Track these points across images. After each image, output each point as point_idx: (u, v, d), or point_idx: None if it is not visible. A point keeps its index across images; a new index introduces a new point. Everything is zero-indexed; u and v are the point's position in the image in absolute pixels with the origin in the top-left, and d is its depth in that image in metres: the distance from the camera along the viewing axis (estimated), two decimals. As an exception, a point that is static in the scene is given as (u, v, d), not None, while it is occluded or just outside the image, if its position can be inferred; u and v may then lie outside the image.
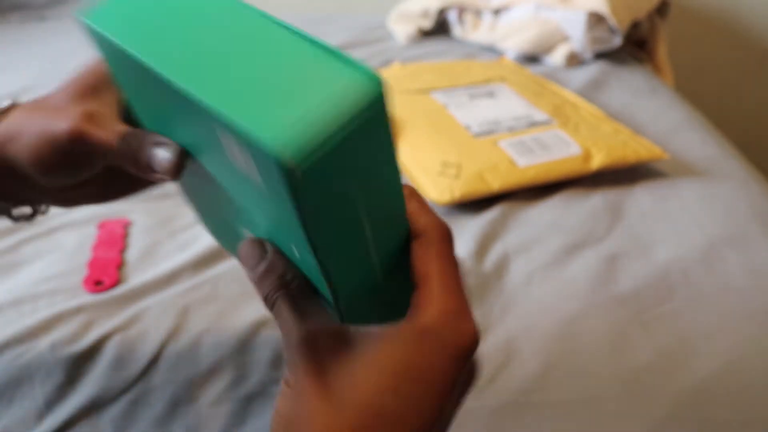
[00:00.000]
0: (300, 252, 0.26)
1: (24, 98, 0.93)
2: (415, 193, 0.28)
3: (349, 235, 0.25)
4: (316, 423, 0.24)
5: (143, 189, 0.37)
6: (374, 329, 0.26)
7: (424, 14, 1.15)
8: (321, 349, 0.25)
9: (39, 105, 0.34)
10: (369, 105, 0.21)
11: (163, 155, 0.30)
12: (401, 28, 1.15)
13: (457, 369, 0.25)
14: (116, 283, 0.51)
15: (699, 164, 0.71)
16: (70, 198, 0.36)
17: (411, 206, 0.27)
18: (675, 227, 0.60)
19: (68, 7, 1.34)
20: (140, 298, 0.49)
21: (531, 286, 0.52)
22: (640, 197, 0.65)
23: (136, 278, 0.52)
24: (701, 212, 0.62)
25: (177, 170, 0.29)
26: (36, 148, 0.32)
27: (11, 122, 0.33)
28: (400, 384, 0.24)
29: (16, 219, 0.38)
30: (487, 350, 0.45)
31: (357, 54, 1.06)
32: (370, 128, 0.21)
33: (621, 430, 0.40)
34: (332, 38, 1.12)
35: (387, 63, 1.01)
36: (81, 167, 0.33)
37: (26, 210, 0.38)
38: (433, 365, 0.24)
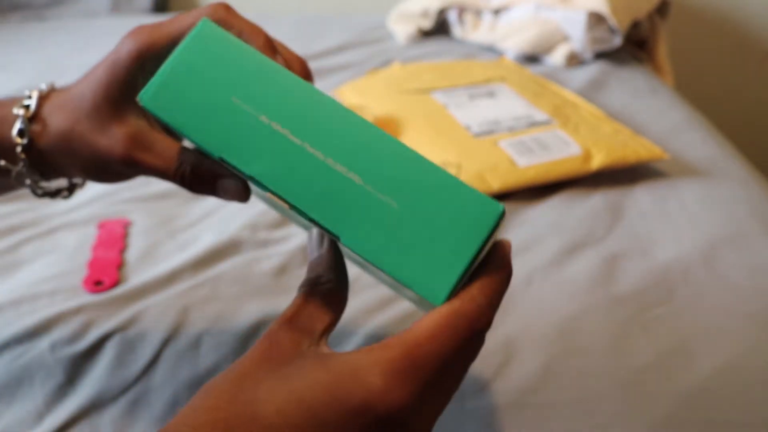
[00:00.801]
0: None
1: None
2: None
3: None
4: (221, 405, 0.23)
5: None
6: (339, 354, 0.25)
7: (424, 14, 1.15)
8: (275, 348, 0.25)
9: (78, 108, 0.32)
10: (491, 231, 0.25)
11: (230, 185, 0.31)
12: (401, 28, 1.15)
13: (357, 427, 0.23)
14: (116, 283, 0.51)
15: (699, 164, 0.71)
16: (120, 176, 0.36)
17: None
18: (675, 227, 0.60)
19: (68, 7, 1.34)
20: (140, 298, 0.49)
21: (531, 286, 0.52)
22: (640, 197, 0.65)
23: (136, 278, 0.52)
24: (701, 212, 0.62)
25: (247, 196, 0.31)
26: (87, 167, 0.33)
27: (58, 128, 0.33)
28: (296, 412, 0.23)
29: (48, 194, 0.37)
30: (487, 350, 0.45)
31: (357, 54, 1.06)
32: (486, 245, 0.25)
33: (621, 430, 0.40)
34: (332, 38, 1.12)
35: (387, 63, 1.01)
36: (132, 177, 0.34)
37: (62, 183, 0.38)
38: (334, 409, 0.23)
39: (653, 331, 0.47)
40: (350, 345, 0.45)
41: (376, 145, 0.25)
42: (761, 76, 1.44)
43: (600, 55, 1.03)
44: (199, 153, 0.32)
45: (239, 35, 0.30)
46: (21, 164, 0.34)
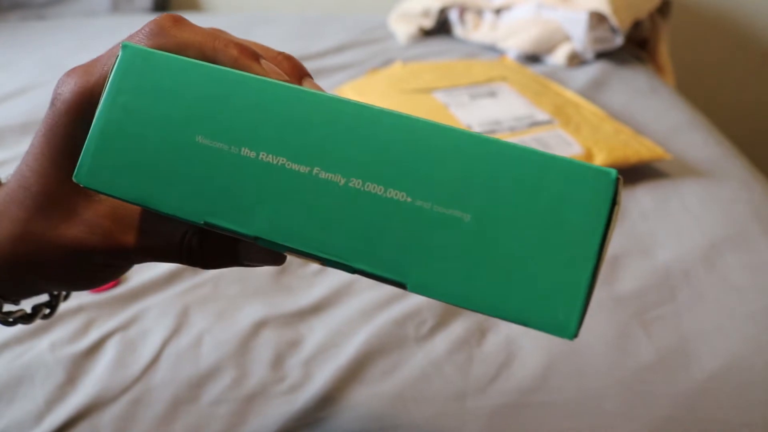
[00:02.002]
0: None
1: (23, 98, 0.92)
2: None
3: None
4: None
5: None
6: None
7: (425, 14, 1.15)
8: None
9: (24, 204, 0.24)
10: (609, 214, 0.17)
11: (256, 249, 0.24)
12: (402, 28, 1.15)
13: None
14: (116, 282, 0.51)
15: (700, 164, 0.71)
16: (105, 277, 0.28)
17: None
18: (676, 227, 0.60)
19: (68, 6, 1.34)
20: (140, 297, 0.49)
21: (532, 286, 0.52)
22: (641, 197, 0.64)
23: (136, 278, 0.51)
24: (702, 212, 0.62)
25: (283, 258, 0.24)
26: (62, 274, 0.25)
27: (5, 238, 0.24)
28: None
29: (22, 319, 0.29)
30: (487, 350, 0.45)
31: (358, 54, 1.05)
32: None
33: (621, 430, 0.40)
34: (333, 38, 1.11)
35: (388, 63, 1.01)
36: (126, 269, 0.27)
37: (39, 299, 0.30)
38: None
39: (654, 331, 0.47)
40: (350, 346, 0.45)
41: (409, 139, 0.18)
42: (763, 75, 1.44)
43: (601, 55, 1.03)
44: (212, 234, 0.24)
45: (199, 51, 0.22)
46: None
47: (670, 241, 0.57)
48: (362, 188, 0.18)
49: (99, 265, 0.25)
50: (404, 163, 0.18)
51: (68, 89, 0.23)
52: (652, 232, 0.59)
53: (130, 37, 0.23)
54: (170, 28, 0.22)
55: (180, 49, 0.22)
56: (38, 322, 0.45)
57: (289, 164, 0.19)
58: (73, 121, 0.23)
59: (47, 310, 0.30)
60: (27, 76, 0.96)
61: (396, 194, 0.18)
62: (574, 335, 0.17)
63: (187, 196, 0.19)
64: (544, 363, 0.44)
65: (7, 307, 0.28)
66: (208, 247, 0.24)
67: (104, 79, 0.22)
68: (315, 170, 0.19)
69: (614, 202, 0.17)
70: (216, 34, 0.23)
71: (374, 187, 0.18)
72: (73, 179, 0.20)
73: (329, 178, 0.19)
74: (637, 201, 0.64)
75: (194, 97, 0.19)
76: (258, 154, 0.19)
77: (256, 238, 0.19)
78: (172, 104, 0.20)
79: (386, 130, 0.18)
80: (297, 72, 0.23)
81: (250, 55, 0.22)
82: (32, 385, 0.42)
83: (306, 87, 0.22)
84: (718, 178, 0.68)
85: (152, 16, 1.31)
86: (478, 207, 0.18)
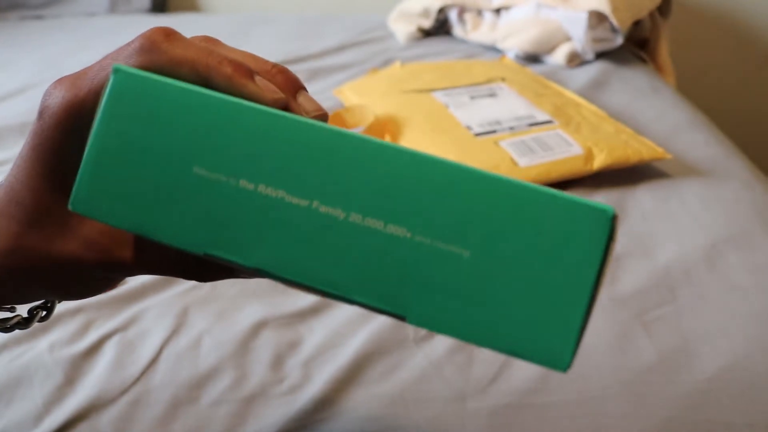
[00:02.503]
0: None
1: (21, 98, 0.92)
2: None
3: None
4: None
5: None
6: None
7: (425, 14, 1.15)
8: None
9: (16, 217, 0.24)
10: (605, 250, 0.18)
11: None
12: (401, 28, 1.15)
13: None
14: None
15: (701, 164, 0.71)
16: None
17: None
18: (677, 227, 0.60)
19: (66, 6, 1.34)
20: (139, 298, 0.49)
21: (533, 287, 0.52)
22: (642, 197, 0.64)
23: (135, 279, 0.51)
24: (703, 212, 0.62)
25: None
26: (56, 285, 0.25)
27: (9, 251, 0.24)
28: None
29: (18, 325, 0.29)
30: (487, 351, 0.45)
31: (357, 54, 1.05)
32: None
33: (622, 431, 0.40)
34: (332, 38, 1.11)
35: (387, 63, 1.01)
36: (120, 281, 0.27)
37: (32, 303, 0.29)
38: None
39: (655, 332, 0.47)
40: (350, 347, 0.45)
41: (409, 174, 0.18)
42: (763, 75, 1.44)
43: (601, 55, 1.03)
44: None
45: (192, 69, 0.22)
46: None
47: (671, 241, 0.57)
48: (362, 223, 0.18)
49: (94, 279, 0.25)
50: (404, 198, 0.18)
51: (56, 102, 0.22)
52: (652, 232, 0.59)
53: (120, 51, 0.22)
54: (162, 43, 0.22)
55: (172, 66, 0.21)
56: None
57: (288, 197, 0.19)
58: (62, 134, 0.23)
59: (43, 313, 0.30)
60: (26, 75, 0.95)
61: (396, 230, 0.18)
62: (567, 367, 0.18)
63: (185, 226, 0.19)
64: (544, 363, 0.44)
65: (3, 314, 0.28)
66: (204, 262, 0.24)
67: (93, 93, 0.22)
68: (314, 204, 0.19)
69: (610, 239, 0.18)
70: (209, 49, 0.22)
71: (374, 222, 0.18)
72: (69, 207, 0.20)
73: (329, 212, 0.19)
74: (637, 201, 0.64)
75: (190, 126, 0.19)
76: (257, 187, 0.19)
77: (257, 270, 0.19)
78: (167, 133, 0.19)
79: (386, 164, 0.18)
80: (291, 86, 0.23)
81: (244, 73, 0.22)
82: (31, 386, 0.42)
83: (303, 103, 0.22)
84: (718, 177, 0.68)
85: (150, 17, 1.31)
86: (478, 243, 0.18)
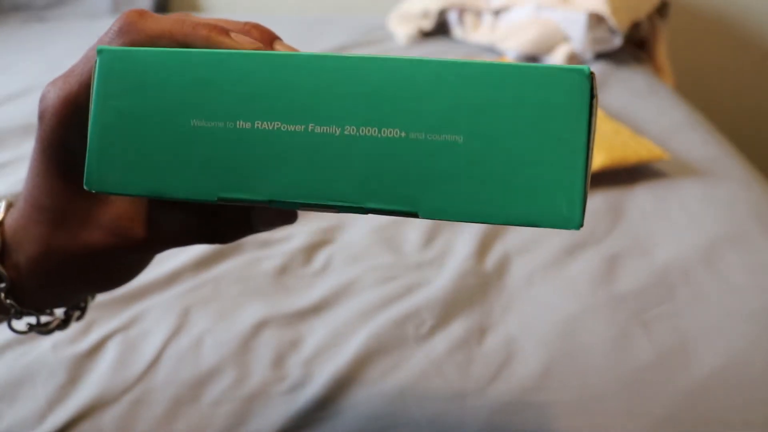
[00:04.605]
0: None
1: (21, 101, 0.92)
2: None
3: None
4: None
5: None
6: None
7: (425, 15, 1.15)
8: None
9: (39, 220, 0.25)
10: (590, 106, 0.19)
11: (268, 213, 0.25)
12: (401, 29, 1.15)
13: None
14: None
15: (699, 164, 0.71)
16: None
17: None
18: (675, 227, 0.60)
19: (69, 8, 1.34)
20: (141, 298, 0.49)
21: (531, 286, 0.52)
22: (640, 197, 0.65)
23: (136, 278, 0.52)
24: (701, 212, 0.62)
25: (295, 216, 0.26)
26: (91, 278, 0.27)
27: (31, 256, 0.25)
28: None
29: (58, 328, 0.30)
30: (487, 350, 0.45)
31: (357, 55, 1.06)
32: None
33: (621, 429, 0.40)
34: (332, 39, 1.12)
35: (387, 64, 1.01)
36: (149, 261, 0.28)
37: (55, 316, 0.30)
38: None
39: (654, 331, 0.47)
40: (350, 346, 0.45)
41: (391, 79, 0.19)
42: (762, 76, 1.44)
43: (600, 56, 1.03)
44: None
45: (171, 38, 0.23)
46: (13, 311, 0.27)
47: (670, 240, 0.58)
48: (358, 134, 0.19)
49: (124, 263, 0.26)
50: (391, 102, 0.19)
51: (51, 102, 0.23)
52: (651, 232, 0.59)
53: (101, 39, 0.23)
54: (137, 22, 0.23)
55: (152, 41, 0.22)
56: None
57: (284, 126, 0.20)
58: (65, 129, 0.23)
59: (78, 313, 0.30)
60: (28, 78, 0.96)
61: (390, 132, 0.19)
62: (579, 225, 0.19)
63: (195, 178, 0.20)
64: (543, 362, 0.44)
65: (45, 318, 0.29)
66: (223, 222, 0.25)
67: (84, 86, 0.23)
68: (310, 127, 0.20)
69: (592, 95, 0.18)
70: (182, 19, 0.23)
71: (369, 130, 0.19)
72: (84, 187, 0.21)
73: (325, 131, 0.20)
74: (636, 201, 0.64)
75: (179, 85, 0.20)
76: (253, 124, 0.20)
77: (270, 202, 0.20)
78: (159, 96, 0.20)
79: (368, 75, 0.19)
80: (267, 37, 0.24)
81: (219, 31, 0.23)
82: (34, 385, 0.42)
83: (280, 50, 0.23)
84: (717, 177, 0.69)
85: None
86: (468, 127, 0.19)
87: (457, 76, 0.19)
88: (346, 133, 0.19)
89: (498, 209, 0.19)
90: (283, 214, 0.25)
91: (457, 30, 1.15)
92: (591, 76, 0.18)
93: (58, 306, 0.29)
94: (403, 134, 0.19)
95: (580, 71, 0.18)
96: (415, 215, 0.19)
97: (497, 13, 1.11)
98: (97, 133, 0.21)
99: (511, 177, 0.19)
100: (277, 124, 0.20)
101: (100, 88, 0.21)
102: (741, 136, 1.15)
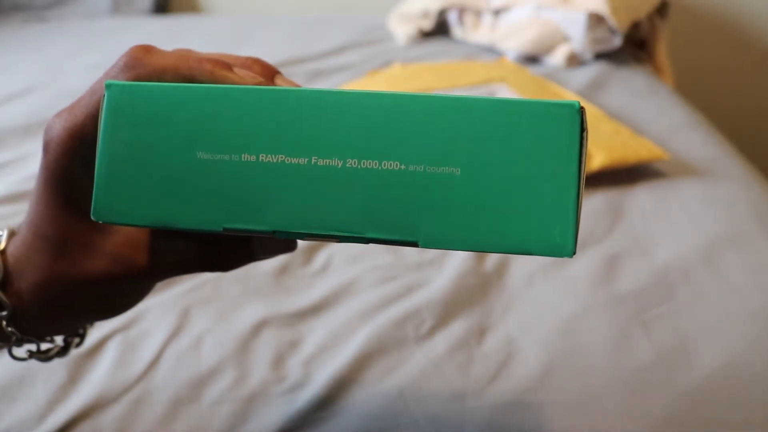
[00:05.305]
0: None
1: (21, 101, 0.92)
2: None
3: None
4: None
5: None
6: None
7: (424, 15, 1.15)
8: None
9: (42, 249, 0.25)
10: (580, 140, 0.20)
11: (269, 242, 0.26)
12: (401, 29, 1.15)
13: None
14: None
15: (699, 164, 0.71)
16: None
17: None
18: (675, 227, 0.60)
19: (69, 8, 1.34)
20: (141, 298, 0.49)
21: (531, 287, 0.52)
22: (640, 197, 0.65)
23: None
24: (701, 212, 0.62)
25: (294, 244, 0.27)
26: (94, 306, 0.27)
27: (33, 283, 0.26)
28: None
29: (58, 354, 0.30)
30: (487, 350, 0.45)
31: (357, 55, 1.06)
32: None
33: (621, 429, 0.40)
34: (332, 39, 1.12)
35: (387, 64, 1.02)
36: (150, 289, 0.28)
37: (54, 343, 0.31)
38: None
39: (654, 331, 0.47)
40: (350, 346, 0.45)
41: (390, 114, 0.20)
42: (761, 76, 1.44)
43: (600, 56, 1.04)
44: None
45: (176, 73, 0.23)
46: (14, 338, 0.27)
47: (669, 240, 0.58)
48: (359, 166, 0.20)
49: (124, 291, 0.27)
50: (391, 136, 0.20)
51: (57, 133, 0.24)
52: (651, 232, 0.59)
53: (107, 73, 0.24)
54: (143, 57, 0.23)
55: (158, 75, 0.23)
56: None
57: (288, 159, 0.20)
58: (70, 160, 0.24)
59: (77, 340, 0.31)
60: (28, 77, 0.96)
61: (391, 165, 0.20)
62: (572, 252, 0.19)
63: (201, 209, 0.21)
64: (543, 363, 0.44)
65: (45, 346, 0.30)
66: (224, 250, 0.26)
67: (90, 117, 0.23)
68: (313, 160, 0.20)
69: (582, 128, 0.19)
70: (187, 54, 0.24)
71: (370, 163, 0.20)
72: (92, 218, 0.22)
73: (327, 164, 0.20)
74: (635, 201, 0.64)
75: (185, 118, 0.21)
76: (258, 157, 0.21)
77: (274, 232, 0.21)
78: (166, 129, 0.21)
79: (367, 109, 0.20)
80: (268, 72, 0.25)
81: (223, 65, 0.23)
82: (34, 385, 0.42)
83: (281, 85, 0.24)
84: (717, 177, 0.69)
85: (152, 19, 1.32)
86: (465, 160, 0.20)
87: (453, 111, 0.20)
88: (347, 165, 0.20)
89: (494, 238, 0.20)
90: (283, 243, 0.26)
91: (457, 30, 1.15)
92: (581, 110, 0.19)
93: (59, 333, 0.29)
94: (402, 167, 0.20)
95: (570, 106, 0.19)
96: (414, 244, 0.20)
97: (497, 13, 1.11)
98: (105, 164, 0.21)
99: (506, 208, 0.20)
100: (281, 157, 0.20)
101: (108, 121, 0.21)
102: (741, 136, 1.15)
